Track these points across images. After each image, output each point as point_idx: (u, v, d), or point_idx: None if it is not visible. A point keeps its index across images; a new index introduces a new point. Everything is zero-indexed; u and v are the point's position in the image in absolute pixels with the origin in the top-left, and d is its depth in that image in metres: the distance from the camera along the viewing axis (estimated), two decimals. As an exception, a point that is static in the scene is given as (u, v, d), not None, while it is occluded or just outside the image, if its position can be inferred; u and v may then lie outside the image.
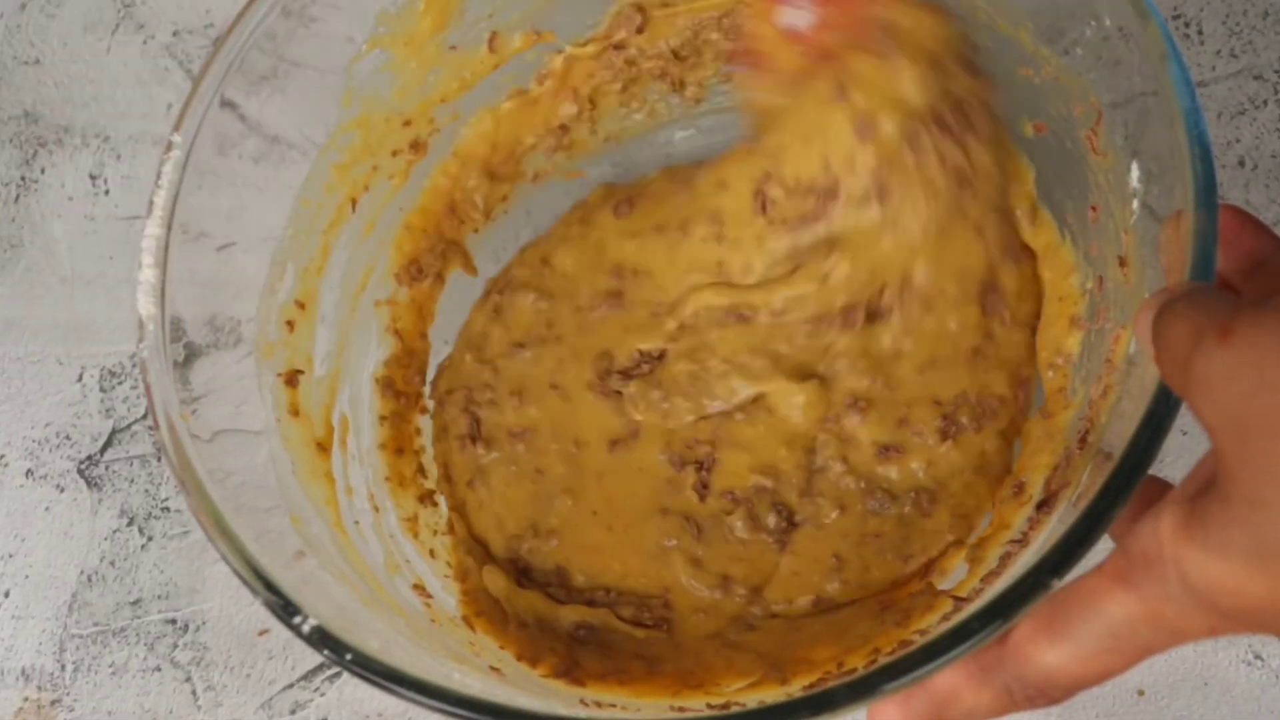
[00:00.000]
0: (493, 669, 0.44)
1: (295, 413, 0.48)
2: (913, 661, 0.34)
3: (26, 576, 0.56)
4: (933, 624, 0.43)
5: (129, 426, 0.58)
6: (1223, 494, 0.28)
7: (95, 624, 0.55)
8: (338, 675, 0.54)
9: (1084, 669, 0.32)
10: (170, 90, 0.61)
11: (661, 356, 0.52)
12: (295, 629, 0.39)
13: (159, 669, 0.54)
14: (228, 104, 0.46)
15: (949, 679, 0.34)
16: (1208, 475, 0.30)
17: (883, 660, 0.36)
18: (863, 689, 0.34)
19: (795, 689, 0.44)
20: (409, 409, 0.54)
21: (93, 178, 0.61)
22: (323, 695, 0.54)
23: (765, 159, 0.50)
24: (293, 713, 0.53)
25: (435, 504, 0.52)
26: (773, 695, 0.44)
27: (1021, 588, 0.34)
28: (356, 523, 0.48)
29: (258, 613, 0.54)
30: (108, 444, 0.58)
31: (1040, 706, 0.33)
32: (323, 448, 0.49)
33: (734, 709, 0.42)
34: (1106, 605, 0.31)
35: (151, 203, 0.44)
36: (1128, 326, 0.40)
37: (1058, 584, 0.34)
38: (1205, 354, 0.28)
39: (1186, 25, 0.57)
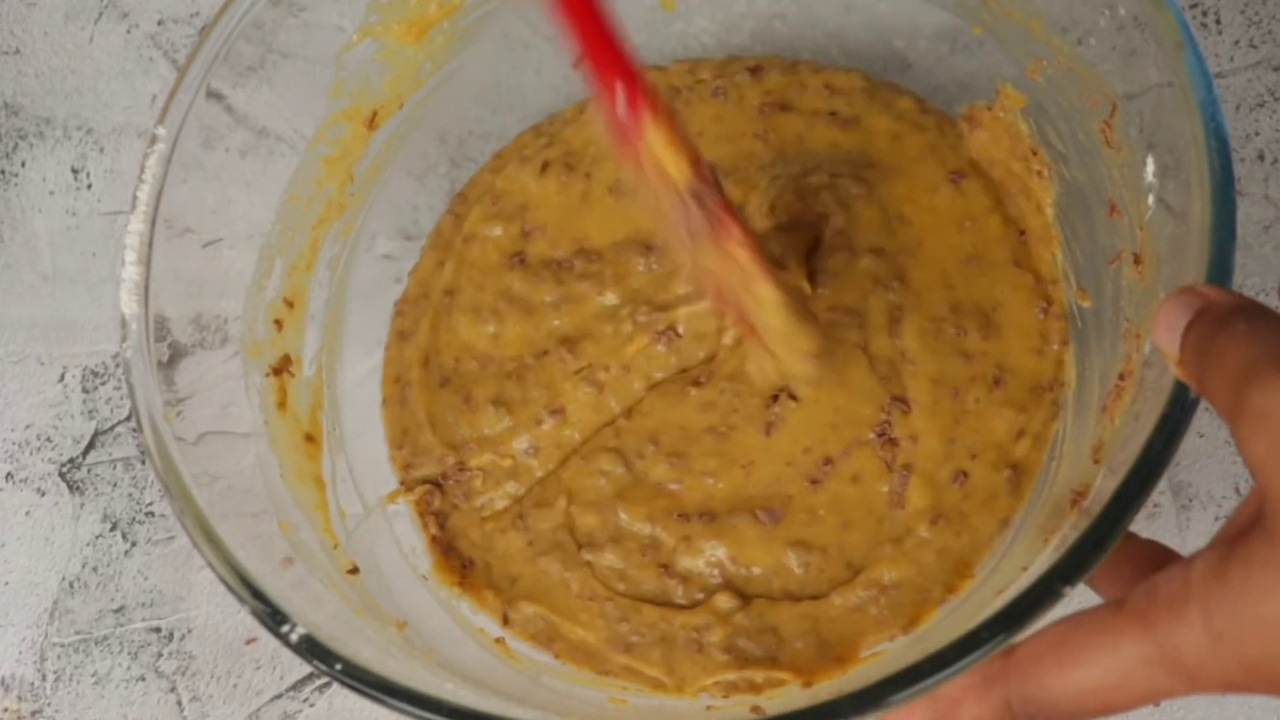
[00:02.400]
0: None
1: (284, 414, 0.48)
2: (921, 671, 0.34)
3: (6, 583, 0.56)
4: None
5: (112, 428, 0.58)
6: (1269, 533, 0.28)
7: (77, 632, 0.55)
8: (328, 685, 0.54)
9: (1087, 701, 0.31)
10: (155, 81, 0.61)
11: None
12: (283, 638, 0.39)
13: (143, 679, 0.55)
14: (214, 95, 0.46)
15: (953, 687, 0.34)
16: (1244, 524, 0.29)
17: (889, 669, 0.36)
18: (869, 699, 0.34)
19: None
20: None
21: (75, 171, 0.61)
22: (312, 706, 0.54)
23: None
24: (281, 724, 0.54)
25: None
26: (776, 705, 0.44)
27: (1032, 596, 0.34)
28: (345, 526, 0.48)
29: (245, 621, 0.54)
30: (90, 446, 0.58)
31: None
32: (312, 450, 0.49)
33: (735, 721, 0.42)
34: (1121, 642, 0.30)
35: (135, 197, 0.44)
36: (1143, 326, 0.40)
37: (1069, 592, 0.34)
38: (1263, 387, 0.28)
39: (1204, 15, 0.57)
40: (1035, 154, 0.49)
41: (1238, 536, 0.29)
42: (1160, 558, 0.36)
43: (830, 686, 0.44)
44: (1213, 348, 0.31)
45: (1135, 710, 0.31)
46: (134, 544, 0.56)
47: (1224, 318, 0.31)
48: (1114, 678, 0.31)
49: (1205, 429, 0.52)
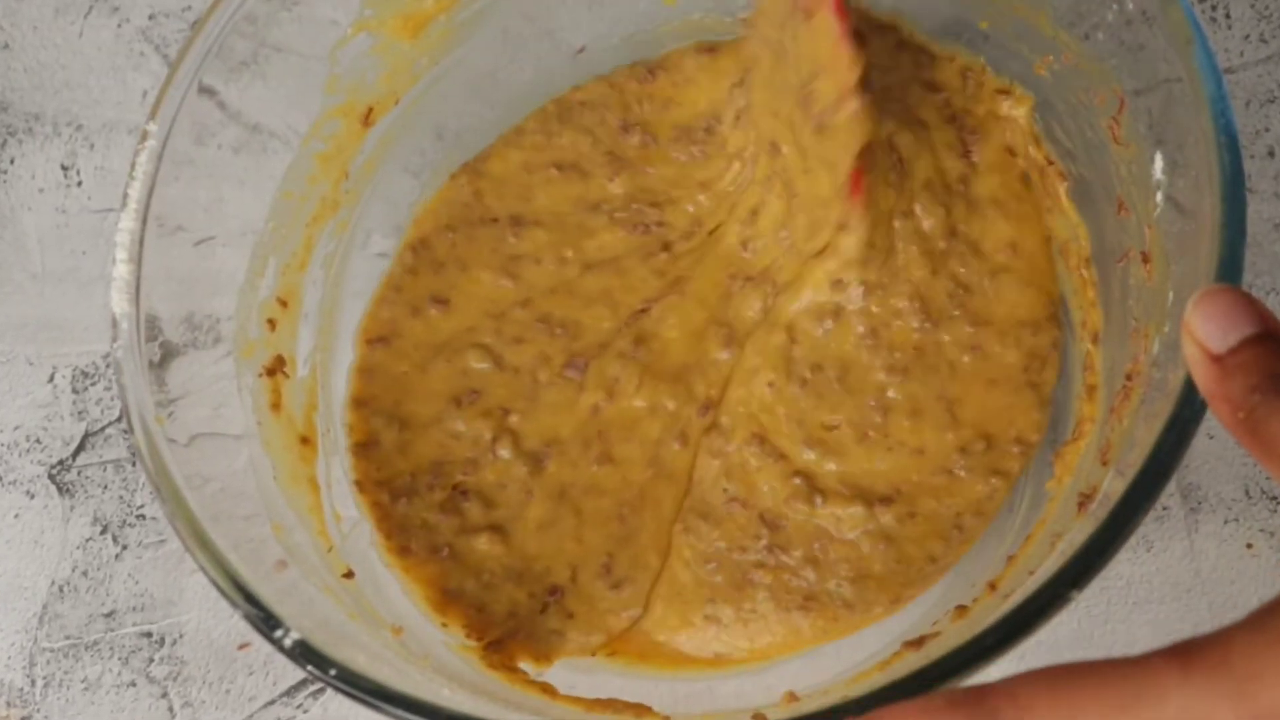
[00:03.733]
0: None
1: (277, 415, 0.48)
2: (927, 677, 0.34)
3: (-5, 587, 0.56)
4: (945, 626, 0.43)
5: (102, 430, 0.58)
6: None
7: (67, 637, 0.55)
8: (322, 691, 0.54)
9: None
10: (146, 76, 0.61)
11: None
12: (276, 643, 0.39)
13: (134, 684, 0.54)
14: (206, 91, 0.46)
15: (903, 711, 0.31)
16: None
17: (895, 675, 0.36)
18: (873, 705, 0.34)
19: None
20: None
21: (64, 168, 0.61)
22: (306, 712, 0.54)
23: None
24: (274, 730, 0.54)
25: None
26: (778, 712, 0.44)
27: (1039, 600, 0.34)
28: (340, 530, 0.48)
29: (237, 625, 0.54)
30: (80, 448, 0.58)
31: None
32: (306, 452, 0.49)
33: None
34: (1167, 695, 0.28)
35: (126, 195, 0.44)
36: (1152, 325, 0.40)
37: (1076, 596, 0.34)
38: None
39: (1213, 9, 0.57)
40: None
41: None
42: None
43: (832, 693, 0.44)
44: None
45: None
46: (125, 547, 0.56)
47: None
48: None
49: (1215, 430, 0.52)
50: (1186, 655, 0.28)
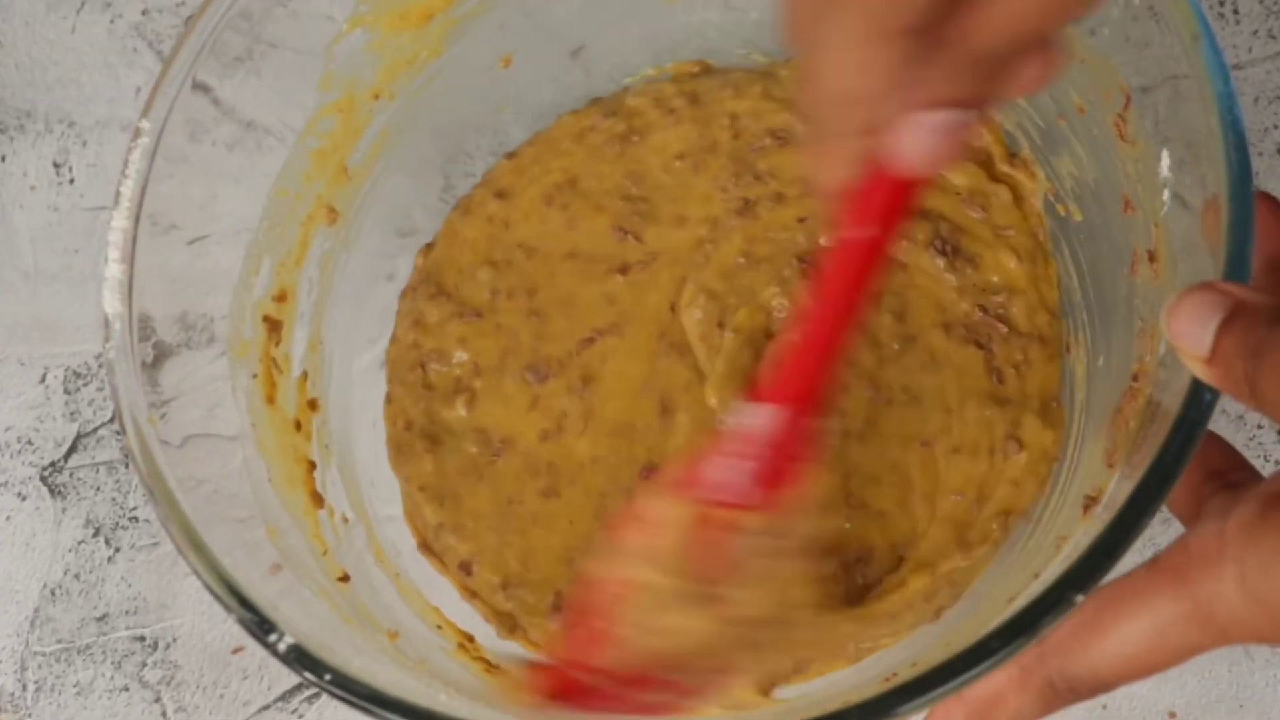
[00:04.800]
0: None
1: (271, 416, 0.48)
2: (930, 681, 0.34)
3: (-14, 590, 0.56)
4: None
5: (95, 431, 0.58)
6: None
7: (59, 641, 0.55)
8: (317, 696, 0.54)
9: (1129, 666, 0.33)
10: (139, 73, 0.61)
11: None
12: (271, 647, 0.39)
13: (127, 689, 0.54)
14: (200, 87, 0.46)
15: (991, 684, 0.35)
16: None
17: (898, 679, 0.36)
18: (876, 709, 0.34)
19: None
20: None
21: (57, 166, 0.61)
22: (301, 718, 0.54)
23: None
24: (269, 736, 0.54)
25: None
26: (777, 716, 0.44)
27: (1044, 603, 0.34)
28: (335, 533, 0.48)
29: (231, 629, 0.54)
30: (72, 449, 0.58)
31: (1084, 699, 0.34)
32: (300, 444, 0.49)
33: (737, 735, 0.42)
34: (1157, 600, 0.32)
35: (119, 193, 0.44)
36: (1159, 326, 0.40)
37: (1081, 599, 0.34)
38: None
39: (1221, 4, 0.57)
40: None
41: (1275, 496, 0.30)
42: (1227, 466, 0.37)
43: (836, 698, 0.44)
44: (1267, 354, 0.31)
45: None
46: (117, 550, 0.56)
47: (1273, 321, 0.31)
48: (1151, 638, 0.32)
49: (1222, 430, 0.52)
50: (1179, 563, 0.32)
